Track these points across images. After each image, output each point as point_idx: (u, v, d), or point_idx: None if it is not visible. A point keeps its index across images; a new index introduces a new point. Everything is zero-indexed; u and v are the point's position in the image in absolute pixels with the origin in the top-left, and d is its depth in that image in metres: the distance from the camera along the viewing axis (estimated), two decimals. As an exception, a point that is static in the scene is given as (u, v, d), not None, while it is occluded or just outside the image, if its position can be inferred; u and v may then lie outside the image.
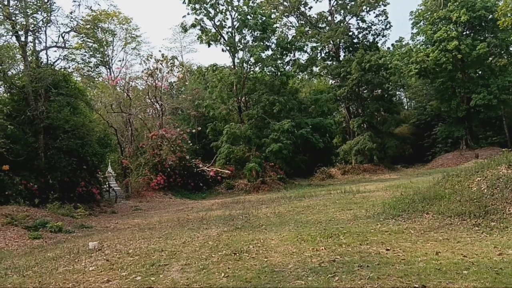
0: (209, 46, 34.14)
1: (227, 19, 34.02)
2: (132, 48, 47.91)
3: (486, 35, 40.45)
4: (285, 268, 6.24)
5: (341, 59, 46.76)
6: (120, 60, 54.92)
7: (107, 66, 44.23)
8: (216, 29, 33.73)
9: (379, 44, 46.90)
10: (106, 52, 45.47)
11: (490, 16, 38.06)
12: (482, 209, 8.28)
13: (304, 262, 6.48)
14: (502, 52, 40.55)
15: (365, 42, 46.26)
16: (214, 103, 35.54)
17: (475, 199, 8.81)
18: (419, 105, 51.77)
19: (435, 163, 42.80)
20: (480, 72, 41.74)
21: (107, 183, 27.99)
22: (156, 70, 34.56)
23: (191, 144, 36.58)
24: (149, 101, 37.24)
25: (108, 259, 8.67)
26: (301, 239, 8.52)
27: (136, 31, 47.51)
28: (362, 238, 7.89)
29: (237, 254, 7.58)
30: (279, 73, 32.96)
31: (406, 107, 60.11)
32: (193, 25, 33.28)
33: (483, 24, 39.55)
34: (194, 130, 35.80)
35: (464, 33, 39.63)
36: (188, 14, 33.31)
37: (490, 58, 41.52)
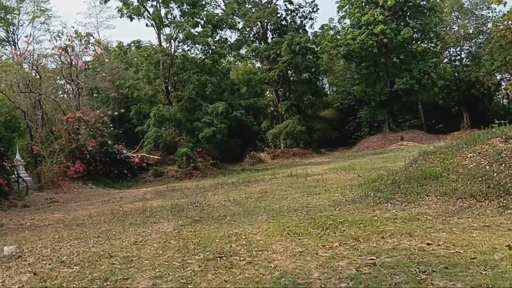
0: (131, 20, 31.03)
1: (151, -9, 31.11)
2: (41, 23, 42.66)
3: (409, 20, 41.49)
4: (310, 278, 4.60)
5: (269, 41, 45.67)
6: (27, 36, 48.85)
7: (11, 42, 38.93)
8: (140, 1, 30.66)
9: (306, 27, 46.46)
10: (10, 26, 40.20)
11: (418, 1, 38.90)
12: (497, 188, 7.30)
13: (330, 267, 4.89)
14: (424, 37, 41.89)
15: (293, 25, 45.54)
16: (138, 83, 32.55)
17: (479, 177, 7.85)
18: (342, 89, 52.35)
19: (360, 146, 43.55)
20: (402, 57, 42.86)
21: (15, 172, 24.22)
22: (68, 48, 30.68)
23: (112, 128, 33.33)
24: (63, 81, 33.21)
25: (36, 272, 6.40)
26: (292, 232, 6.93)
27: (45, 3, 42.34)
28: (372, 228, 6.51)
29: (224, 259, 5.77)
30: (210, 52, 30.79)
31: (328, 92, 60.87)
32: (113, -4, 29.94)
33: (408, 8, 40.43)
34: (116, 113, 32.51)
35: (389, 17, 40.22)
36: (107, -18, 29.90)
37: (413, 42, 42.78)
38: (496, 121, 12.03)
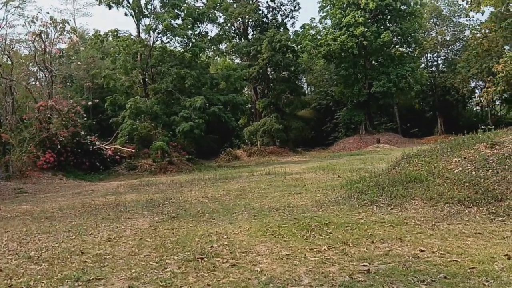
0: (110, 8, 30.17)
1: (132, -20, 30.28)
2: (15, 7, 40.94)
3: (389, 24, 41.81)
4: (300, 284, 4.29)
5: (249, 37, 45.32)
6: (-1, 20, 46.87)
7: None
8: (119, -11, 29.81)
9: (288, 26, 46.27)
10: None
11: (399, 6, 39.17)
12: (486, 194, 7.19)
13: (321, 273, 4.59)
14: (403, 41, 42.30)
15: (274, 22, 45.32)
16: (114, 73, 31.66)
17: (466, 183, 7.73)
18: (320, 89, 52.43)
19: (337, 146, 43.77)
20: (381, 60, 43.20)
21: (-19, 161, 23.17)
22: (43, 34, 29.54)
23: (86, 118, 32.33)
24: (36, 68, 32.00)
25: (0, 268, 5.91)
26: (276, 233, 6.64)
27: (20, -14, 40.62)
28: (360, 232, 6.27)
29: (206, 260, 5.41)
30: (190, 45, 30.18)
31: (306, 92, 60.97)
32: (92, -18, 28.99)
33: (388, 12, 40.72)
34: (90, 103, 31.54)
35: (369, 20, 40.43)
36: (86, -32, 28.89)
37: (392, 46, 43.15)
38: (483, 126, 12.02)
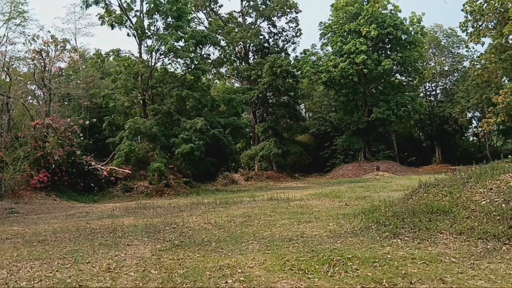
0: (112, 28, 30.00)
1: (135, 1, 30.24)
2: (16, 25, 40.81)
3: (389, 52, 41.96)
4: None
5: (250, 62, 45.37)
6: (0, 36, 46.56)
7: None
8: (123, 10, 29.69)
9: (289, 51, 46.43)
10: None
11: (400, 35, 39.36)
12: (523, 230, 6.66)
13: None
14: (403, 70, 42.39)
15: (275, 47, 45.47)
16: (114, 93, 31.26)
17: (497, 216, 7.22)
18: (319, 115, 52.25)
19: (335, 173, 43.22)
20: (381, 88, 43.19)
21: (-27, 178, 22.42)
22: (43, 52, 29.25)
23: (82, 138, 31.71)
24: (34, 86, 31.59)
25: (-12, 300, 5.28)
26: (295, 267, 6.07)
27: (23, 5, 40.55)
28: (391, 269, 5.70)
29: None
30: (193, 67, 29.95)
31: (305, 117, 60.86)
32: (96, 2, 28.88)
33: (389, 40, 40.90)
34: (87, 122, 31.00)
35: (370, 48, 40.55)
36: (90, -12, 28.82)
37: (392, 74, 43.23)
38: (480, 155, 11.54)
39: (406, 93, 41.70)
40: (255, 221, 11.04)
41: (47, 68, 29.49)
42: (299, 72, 43.88)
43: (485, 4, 36.29)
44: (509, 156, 38.17)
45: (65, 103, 38.54)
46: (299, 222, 10.28)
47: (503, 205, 7.52)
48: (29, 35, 30.22)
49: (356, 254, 6.46)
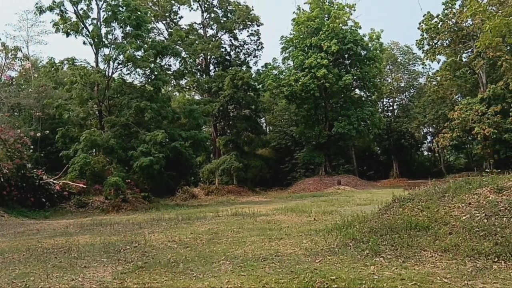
0: (67, 36, 28.58)
1: (92, 9, 29.14)
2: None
3: (349, 67, 42.64)
4: None
5: (210, 74, 44.88)
6: None
7: None
8: (79, 17, 28.48)
9: (250, 64, 46.32)
10: None
11: (360, 50, 40.06)
12: (510, 246, 6.38)
13: None
14: (363, 85, 43.14)
15: (237, 60, 45.24)
16: (68, 103, 29.77)
17: (480, 232, 6.97)
18: (279, 129, 52.28)
19: (296, 187, 43.10)
20: (342, 102, 43.72)
21: None
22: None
23: (32, 150, 29.91)
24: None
25: None
26: (275, 291, 5.48)
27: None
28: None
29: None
30: (153, 77, 29.04)
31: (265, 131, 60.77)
32: (50, 8, 27.53)
33: (349, 56, 41.55)
34: (39, 134, 29.30)
35: (331, 63, 41.06)
36: (44, -7, 27.47)
37: (352, 89, 43.90)
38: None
39: (366, 108, 42.38)
40: (223, 239, 10.41)
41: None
42: (260, 85, 43.79)
43: (440, 23, 37.68)
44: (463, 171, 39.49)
45: (15, 113, 36.48)
46: (270, 239, 9.74)
47: (485, 220, 7.31)
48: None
49: (340, 275, 5.98)
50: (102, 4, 28.79)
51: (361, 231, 8.55)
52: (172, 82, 37.61)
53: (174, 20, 45.18)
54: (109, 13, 28.14)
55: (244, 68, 43.49)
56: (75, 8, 28.23)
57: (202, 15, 45.98)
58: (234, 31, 45.11)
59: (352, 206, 19.84)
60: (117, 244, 10.73)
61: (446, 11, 38.35)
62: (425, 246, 7.12)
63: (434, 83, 40.13)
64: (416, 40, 39.99)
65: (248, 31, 45.46)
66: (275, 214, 16.63)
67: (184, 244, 10.00)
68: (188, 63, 36.67)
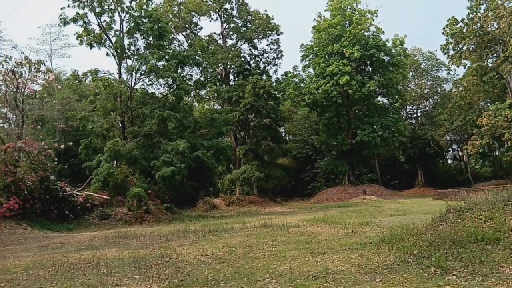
0: (91, 48, 28.77)
1: (115, 20, 29.21)
2: (-13, 46, 39.08)
3: (373, 75, 41.90)
4: None
5: (230, 83, 44.66)
6: (-32, 57, 44.46)
7: None
8: (102, 29, 28.55)
9: (270, 73, 46.02)
10: None
11: (383, 56, 39.36)
12: None
13: None
14: (386, 92, 42.32)
15: (257, 69, 44.95)
16: (92, 115, 29.76)
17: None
18: (300, 138, 51.63)
19: (319, 197, 42.27)
20: (365, 110, 42.94)
21: None
22: (16, 73, 27.68)
23: (56, 162, 29.92)
24: (6, 108, 29.85)
25: None
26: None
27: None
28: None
29: None
30: (175, 87, 28.85)
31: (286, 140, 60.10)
32: (74, 20, 27.66)
33: (372, 62, 40.85)
34: (62, 146, 29.30)
35: (353, 70, 40.41)
36: (68, 6, 27.60)
37: (376, 96, 43.11)
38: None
39: (390, 115, 41.49)
40: (259, 252, 9.84)
41: (20, 89, 27.90)
42: (280, 94, 43.33)
43: (465, 27, 36.75)
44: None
45: (39, 126, 36.76)
46: (313, 254, 9.12)
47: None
48: (1, 56, 28.69)
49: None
50: (125, 16, 28.88)
51: (418, 244, 7.88)
52: (193, 92, 37.36)
53: (194, 31, 45.26)
54: (132, 24, 28.18)
55: (264, 77, 43.10)
56: (99, 20, 28.38)
57: (222, 26, 45.99)
58: (254, 40, 44.93)
59: (386, 217, 19.08)
60: (147, 258, 10.26)
61: (471, 15, 37.46)
62: (501, 261, 6.44)
63: (460, 88, 39.10)
64: (441, 45, 39.10)
65: (267, 40, 45.28)
66: (306, 225, 15.99)
67: (219, 259, 9.47)
68: (209, 72, 36.37)
